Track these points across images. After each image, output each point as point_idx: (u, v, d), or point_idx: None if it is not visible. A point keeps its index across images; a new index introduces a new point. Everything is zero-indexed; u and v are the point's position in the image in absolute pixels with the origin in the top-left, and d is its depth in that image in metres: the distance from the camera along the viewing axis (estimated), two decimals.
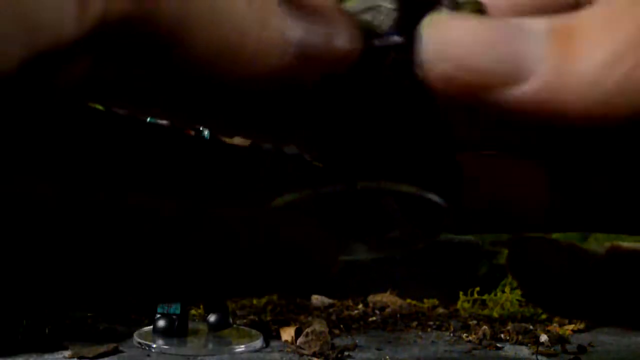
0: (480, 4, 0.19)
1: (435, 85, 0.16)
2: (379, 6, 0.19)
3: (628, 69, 0.15)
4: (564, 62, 0.16)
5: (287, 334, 0.97)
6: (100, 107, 0.18)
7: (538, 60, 0.16)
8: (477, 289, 1.20)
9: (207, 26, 0.14)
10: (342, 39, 0.16)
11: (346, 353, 0.91)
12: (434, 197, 0.19)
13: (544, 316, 1.15)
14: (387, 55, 0.19)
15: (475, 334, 1.04)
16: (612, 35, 0.15)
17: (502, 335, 1.04)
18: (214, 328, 0.96)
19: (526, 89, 0.16)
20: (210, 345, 0.92)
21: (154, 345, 0.90)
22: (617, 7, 0.16)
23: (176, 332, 0.94)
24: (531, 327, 1.09)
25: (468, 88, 0.16)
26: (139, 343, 0.91)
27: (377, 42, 0.19)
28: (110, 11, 0.13)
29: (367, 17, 0.19)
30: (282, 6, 0.15)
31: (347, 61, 0.17)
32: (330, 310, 1.20)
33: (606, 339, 1.06)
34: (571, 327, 1.09)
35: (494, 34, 0.16)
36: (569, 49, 0.16)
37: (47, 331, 0.88)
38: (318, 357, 0.88)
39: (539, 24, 0.16)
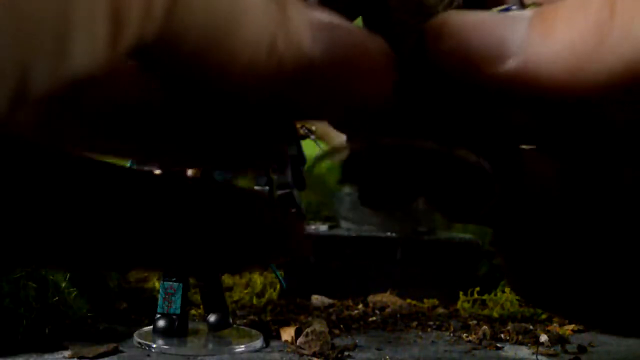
0: (541, 5, 0.21)
1: (439, 66, 0.19)
2: None
3: (594, 44, 0.17)
4: (542, 40, 0.18)
5: (287, 334, 0.97)
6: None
7: (521, 40, 0.18)
8: (477, 289, 1.20)
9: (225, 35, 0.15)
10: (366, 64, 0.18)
11: (346, 353, 0.91)
12: (488, 167, 0.20)
13: (544, 316, 1.15)
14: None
15: (475, 334, 1.04)
16: (583, 14, 0.17)
17: (502, 335, 1.04)
18: (214, 328, 0.96)
19: (511, 65, 0.18)
20: (210, 345, 0.92)
21: (154, 345, 0.90)
22: None
23: (176, 332, 0.94)
24: (531, 327, 1.09)
25: (464, 67, 0.19)
26: (139, 343, 0.91)
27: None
28: (141, 38, 0.13)
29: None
30: (301, 17, 0.16)
31: (376, 88, 0.18)
32: (330, 310, 1.19)
33: (606, 339, 1.06)
34: (571, 327, 1.09)
35: (486, 20, 0.19)
36: (547, 29, 0.18)
37: (47, 331, 0.87)
38: (318, 357, 0.88)
39: (526, 12, 0.19)
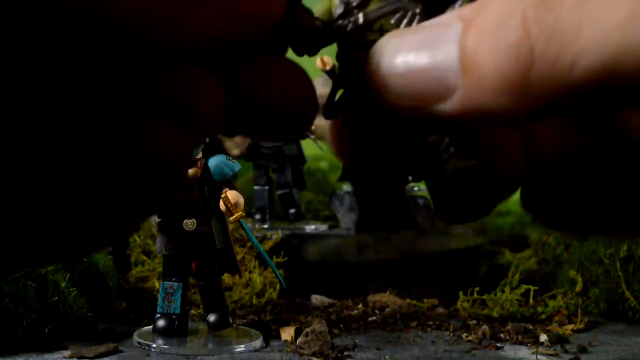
0: None
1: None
2: (406, 9, 0.20)
3: (520, 75, 0.18)
4: (473, 73, 0.19)
5: (287, 334, 0.97)
6: None
7: (456, 75, 0.19)
8: (477, 289, 1.20)
9: None
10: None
11: (346, 353, 0.91)
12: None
13: (544, 316, 1.15)
14: None
15: (475, 334, 1.04)
16: (503, 39, 0.18)
17: (502, 335, 1.04)
18: (214, 328, 0.96)
19: (454, 102, 0.19)
20: (210, 345, 0.92)
21: (154, 345, 0.90)
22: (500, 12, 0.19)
23: (176, 332, 0.94)
24: (531, 327, 1.09)
25: (413, 108, 0.20)
26: (139, 343, 0.91)
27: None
28: None
29: (393, 21, 0.20)
30: None
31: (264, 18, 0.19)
32: (330, 310, 1.19)
33: (606, 339, 1.06)
34: (571, 327, 1.09)
35: (422, 59, 0.20)
36: (474, 61, 0.19)
37: (47, 331, 0.87)
38: (318, 357, 0.88)
39: (450, 38, 0.19)
